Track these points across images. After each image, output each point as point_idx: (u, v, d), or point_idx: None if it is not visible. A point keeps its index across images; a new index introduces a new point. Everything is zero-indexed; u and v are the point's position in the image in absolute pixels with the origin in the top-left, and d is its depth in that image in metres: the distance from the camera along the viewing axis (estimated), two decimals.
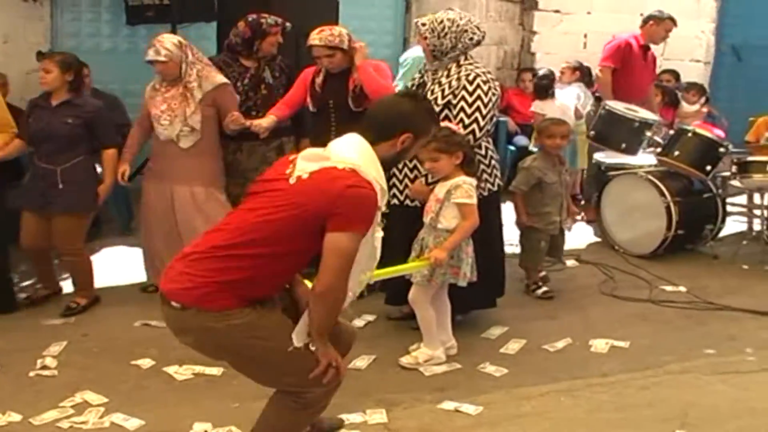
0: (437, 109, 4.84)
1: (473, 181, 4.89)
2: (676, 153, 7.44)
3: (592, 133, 8.04)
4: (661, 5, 10.57)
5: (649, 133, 7.86)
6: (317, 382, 3.44)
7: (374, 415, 4.39)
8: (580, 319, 5.94)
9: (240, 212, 3.46)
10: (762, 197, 7.57)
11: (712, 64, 11.37)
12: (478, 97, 5.07)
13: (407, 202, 5.33)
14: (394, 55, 9.51)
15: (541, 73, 9.10)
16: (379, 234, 3.53)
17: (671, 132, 8.02)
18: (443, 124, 4.70)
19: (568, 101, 8.74)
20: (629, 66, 8.57)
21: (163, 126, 5.78)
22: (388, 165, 3.54)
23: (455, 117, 5.07)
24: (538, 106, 8.66)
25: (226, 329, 3.29)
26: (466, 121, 5.06)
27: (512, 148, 9.67)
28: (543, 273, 6.53)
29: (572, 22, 10.44)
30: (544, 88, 8.75)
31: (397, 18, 9.41)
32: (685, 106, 9.97)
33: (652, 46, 8.74)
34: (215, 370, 4.80)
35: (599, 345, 5.45)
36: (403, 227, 5.16)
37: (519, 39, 10.44)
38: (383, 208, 3.47)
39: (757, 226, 7.87)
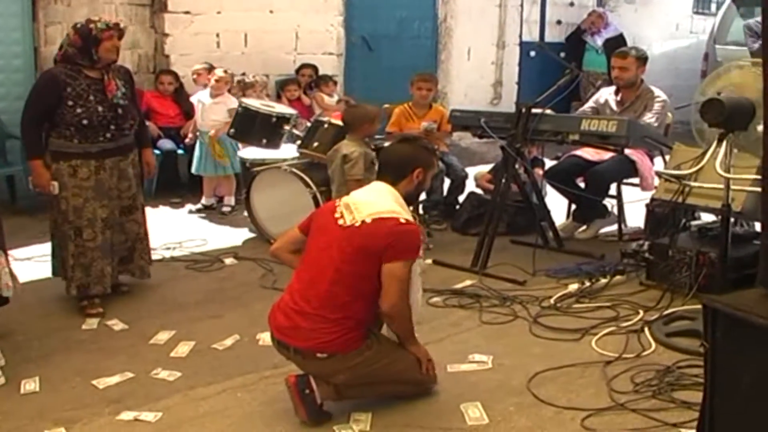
0: None
1: None
2: (316, 144, 7.63)
3: (232, 131, 8.19)
4: (290, 2, 10.98)
5: (287, 127, 8.09)
6: (427, 374, 4.52)
7: None
8: (245, 315, 6.02)
9: (317, 263, 4.31)
10: None
11: (344, 56, 11.82)
12: None
13: None
14: (27, 65, 9.17)
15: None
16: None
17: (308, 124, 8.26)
18: None
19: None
20: None
21: None
22: (411, 198, 4.58)
23: None
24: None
25: (365, 360, 4.25)
26: None
27: (158, 152, 9.56)
28: None
29: (203, 22, 10.49)
30: None
31: (25, 27, 9.06)
32: (326, 99, 10.38)
33: None
34: None
35: (267, 338, 5.44)
36: None
37: (152, 42, 10.35)
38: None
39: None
